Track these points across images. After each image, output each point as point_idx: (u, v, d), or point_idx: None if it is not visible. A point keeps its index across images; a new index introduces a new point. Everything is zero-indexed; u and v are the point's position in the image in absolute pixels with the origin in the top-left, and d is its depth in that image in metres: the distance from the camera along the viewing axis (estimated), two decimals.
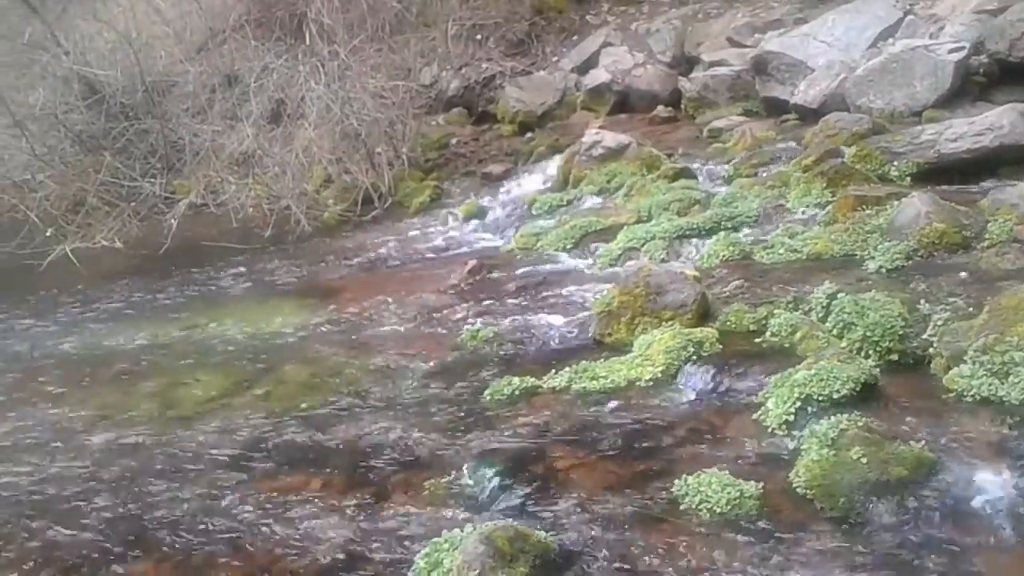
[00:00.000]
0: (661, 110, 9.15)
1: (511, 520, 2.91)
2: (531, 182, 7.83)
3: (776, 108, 8.20)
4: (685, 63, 9.71)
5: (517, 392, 4.00)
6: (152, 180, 8.88)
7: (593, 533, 2.89)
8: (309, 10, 9.02)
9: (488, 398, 4.03)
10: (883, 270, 4.41)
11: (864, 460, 2.90)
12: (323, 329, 5.37)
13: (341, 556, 2.98)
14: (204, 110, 9.54)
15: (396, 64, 9.35)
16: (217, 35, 10.17)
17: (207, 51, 10.23)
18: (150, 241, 7.99)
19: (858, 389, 3.29)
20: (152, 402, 4.58)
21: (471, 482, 3.32)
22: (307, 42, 8.76)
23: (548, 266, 5.87)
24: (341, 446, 3.78)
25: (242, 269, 7.04)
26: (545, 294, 5.31)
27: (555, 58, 10.32)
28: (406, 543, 3.01)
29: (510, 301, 5.29)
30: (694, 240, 5.51)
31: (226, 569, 3.04)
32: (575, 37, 10.46)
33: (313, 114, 8.22)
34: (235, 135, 9.03)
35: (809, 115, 7.47)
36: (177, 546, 3.20)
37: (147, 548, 3.21)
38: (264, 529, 3.23)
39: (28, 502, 3.66)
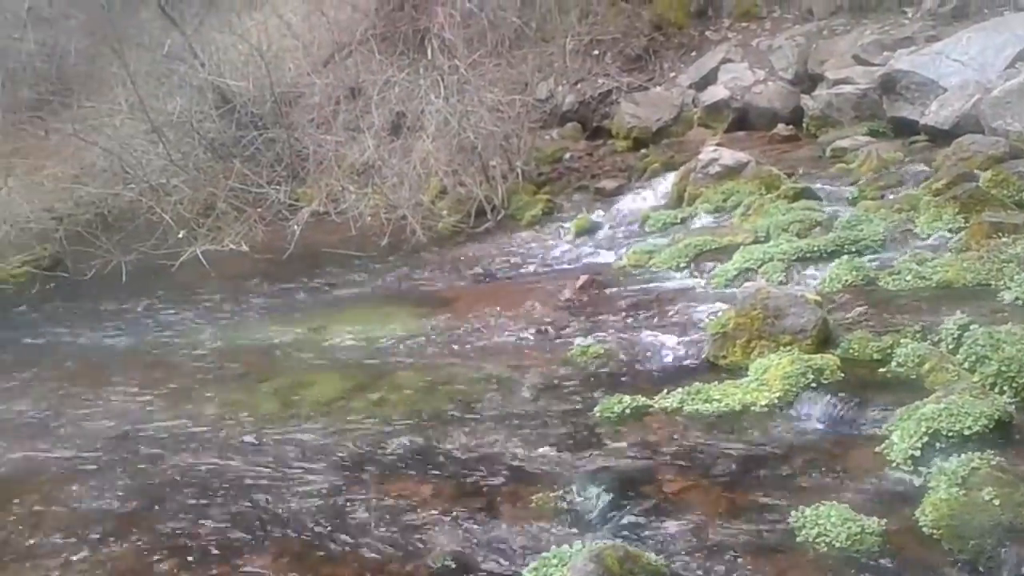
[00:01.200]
0: (781, 128, 8.93)
1: (621, 540, 2.90)
2: (644, 199, 7.77)
3: (904, 129, 7.89)
4: (808, 81, 9.47)
5: (627, 410, 3.97)
6: (277, 187, 9.25)
7: (704, 559, 2.84)
8: (432, 25, 9.24)
9: (598, 415, 4.02)
10: (1019, 302, 4.18)
11: (997, 502, 2.75)
12: (436, 337, 5.46)
13: (451, 564, 3.03)
14: (328, 121, 9.88)
15: (513, 78, 9.46)
16: (343, 49, 10.54)
17: (333, 64, 10.61)
18: (274, 246, 8.32)
19: (991, 426, 3.13)
20: (274, 401, 4.76)
21: (580, 499, 3.32)
22: (429, 56, 8.97)
23: (660, 284, 5.80)
24: (452, 454, 3.84)
25: (359, 276, 7.25)
26: (657, 312, 5.25)
27: (672, 74, 10.23)
28: (514, 556, 3.03)
29: (621, 318, 5.26)
30: (814, 263, 5.34)
31: (340, 568, 3.13)
32: (694, 53, 10.34)
33: (432, 127, 8.40)
34: (356, 146, 9.33)
35: (940, 137, 7.15)
36: (295, 542, 3.31)
37: (267, 542, 3.34)
38: (376, 531, 3.31)
39: (156, 492, 3.86)
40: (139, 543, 3.45)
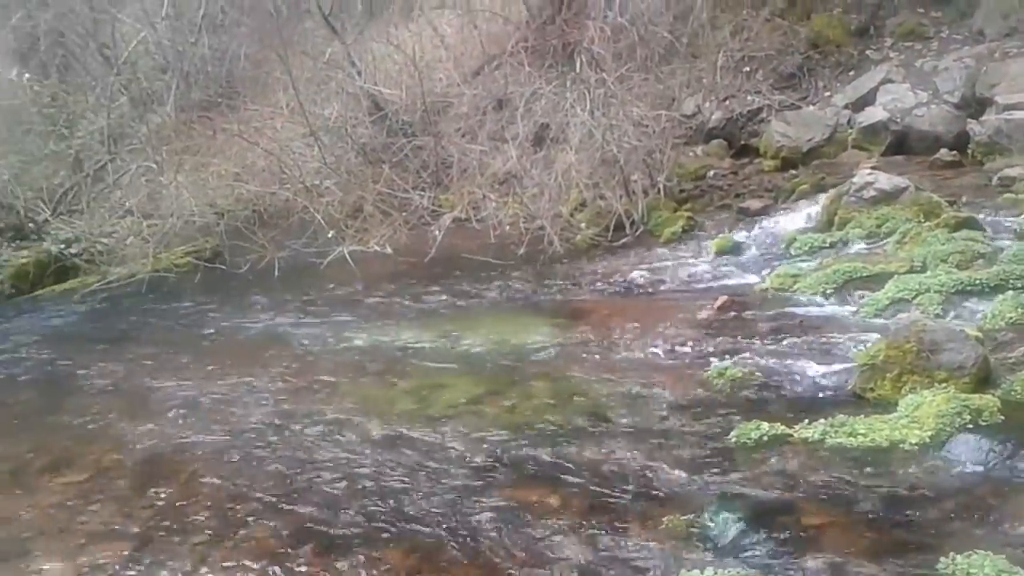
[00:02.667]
0: (944, 153, 8.45)
1: (753, 570, 2.81)
2: (791, 221, 7.50)
3: None
4: (975, 105, 8.91)
5: (766, 438, 3.85)
6: (422, 193, 9.51)
7: None
8: (582, 39, 9.29)
9: (734, 440, 3.92)
10: None
11: None
12: (570, 349, 5.47)
13: None
14: (474, 131, 10.09)
15: (660, 93, 9.38)
16: (492, 60, 10.74)
17: (482, 75, 10.83)
18: (416, 249, 8.54)
19: None
20: (409, 401, 4.89)
21: (712, 524, 3.24)
22: (577, 70, 9.02)
23: (805, 309, 5.60)
24: (582, 467, 3.83)
25: (496, 283, 7.34)
26: (800, 339, 5.07)
27: (827, 93, 9.87)
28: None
29: (762, 342, 5.11)
30: (975, 298, 5.02)
31: (467, 570, 3.18)
32: (851, 72, 9.94)
33: (575, 139, 8.44)
34: (500, 155, 9.48)
35: None
36: (424, 540, 3.39)
37: (397, 537, 3.44)
38: (504, 537, 3.34)
39: (297, 480, 4.04)
40: (279, 527, 3.61)
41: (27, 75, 10.95)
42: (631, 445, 4.01)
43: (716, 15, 10.20)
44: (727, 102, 10.16)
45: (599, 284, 7.05)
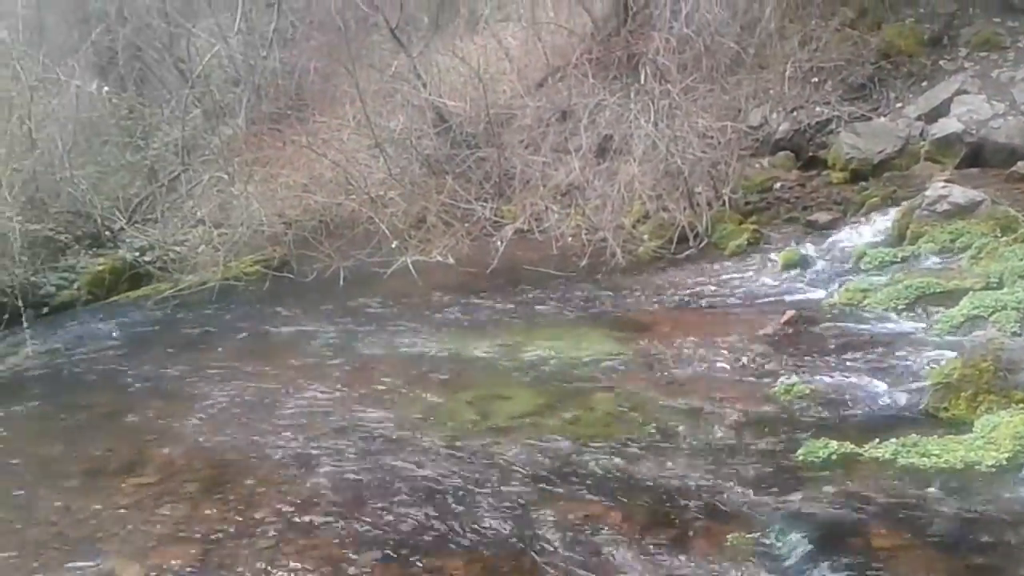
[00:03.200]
0: (1021, 166, 8.16)
1: None
2: (861, 234, 7.34)
3: None
4: None
5: (834, 456, 3.77)
6: (484, 204, 9.57)
7: None
8: (647, 50, 9.25)
9: (801, 458, 3.85)
10: None
11: None
12: (632, 362, 5.44)
13: None
14: (536, 142, 10.11)
15: (726, 104, 9.26)
16: (556, 72, 10.76)
17: (546, 87, 10.86)
18: (478, 260, 8.59)
19: None
20: (470, 411, 4.92)
21: (778, 543, 3.18)
22: (641, 81, 8.99)
23: (875, 326, 5.47)
24: (645, 481, 3.80)
25: (558, 294, 7.33)
26: (870, 355, 4.95)
27: (899, 104, 9.63)
28: None
29: (830, 358, 5.01)
30: None
31: None
32: (924, 83, 9.68)
33: (639, 151, 8.40)
34: (562, 167, 9.48)
35: None
36: (486, 550, 3.40)
37: (459, 547, 3.45)
38: (564, 551, 3.34)
39: (361, 486, 4.09)
40: (343, 533, 3.66)
41: (106, 88, 11.37)
42: (694, 460, 3.97)
43: (784, 25, 10.04)
44: (795, 113, 9.98)
45: (662, 297, 6.98)
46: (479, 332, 6.56)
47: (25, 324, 6.80)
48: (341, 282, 8.26)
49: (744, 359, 5.20)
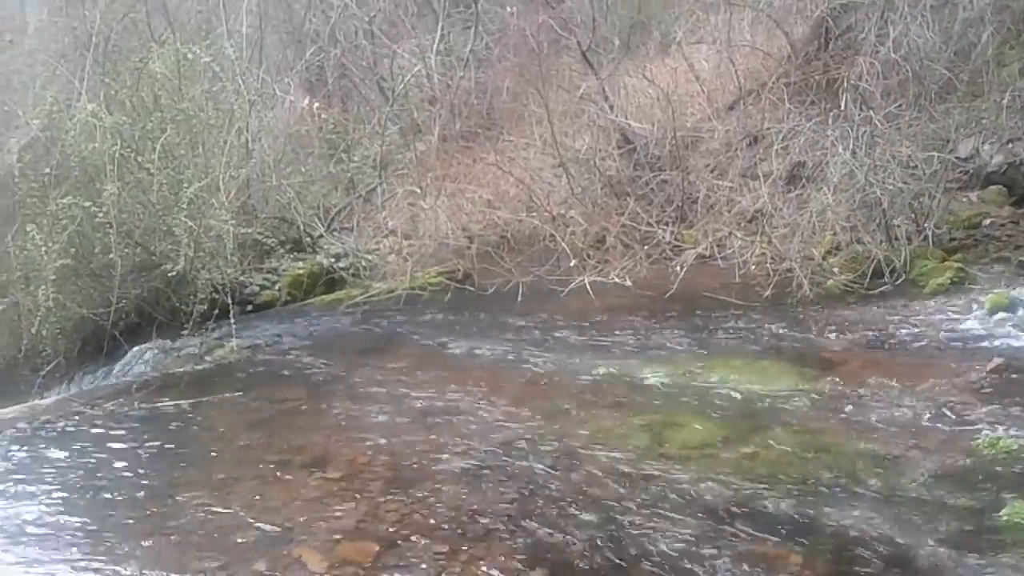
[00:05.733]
0: None
1: None
2: None
3: None
4: None
5: None
6: (665, 227, 9.47)
7: None
8: (849, 75, 8.85)
9: (1004, 518, 3.54)
10: None
11: None
12: (816, 400, 5.20)
13: None
14: (723, 166, 9.90)
15: (932, 134, 8.69)
16: (749, 95, 10.51)
17: (736, 110, 10.62)
18: (655, 284, 8.49)
19: None
20: (644, 436, 4.86)
21: None
22: (841, 106, 8.60)
23: None
24: (828, 527, 3.62)
25: (738, 324, 7.13)
26: None
27: None
28: None
29: None
30: None
31: None
32: None
33: (835, 179, 8.03)
34: (749, 193, 9.23)
35: None
36: None
37: (628, 574, 3.41)
38: None
39: (528, 504, 4.13)
40: (513, 547, 3.71)
41: (316, 104, 12.19)
42: (883, 510, 3.73)
43: (1003, 52, 9.33)
44: (1010, 145, 9.23)
45: (852, 333, 6.63)
46: (654, 357, 6.48)
47: (232, 320, 7.35)
48: (519, 297, 8.41)
49: (942, 407, 4.84)
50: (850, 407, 5.03)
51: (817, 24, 10.48)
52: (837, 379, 5.49)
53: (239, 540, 3.96)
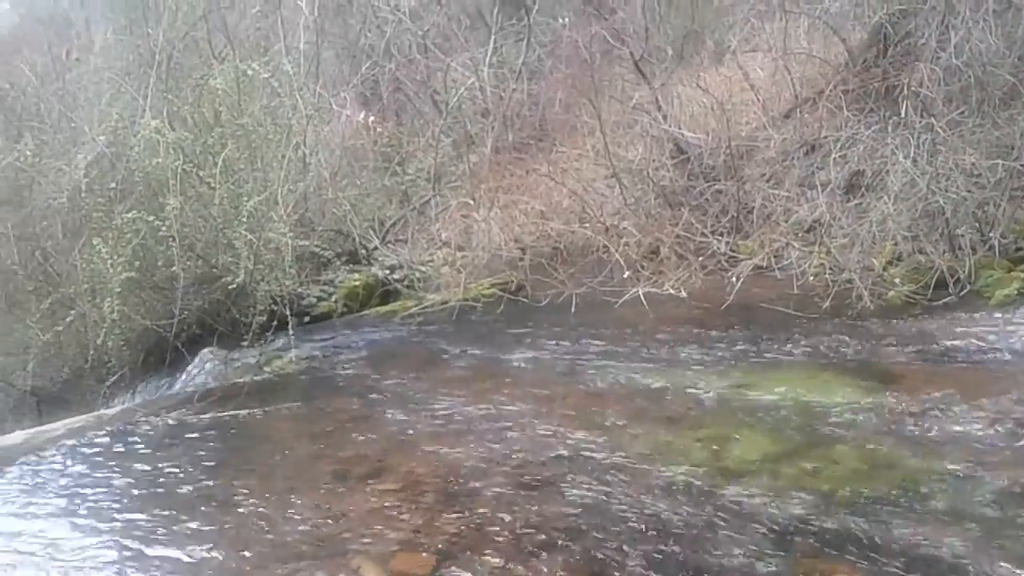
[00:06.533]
0: None
1: None
2: None
3: None
4: None
5: None
6: (720, 238, 9.37)
7: None
8: (910, 81, 8.68)
9: None
10: None
11: None
12: (879, 415, 5.08)
13: None
14: (779, 176, 9.77)
15: (996, 141, 8.47)
16: (806, 103, 10.37)
17: (792, 118, 10.48)
18: (711, 295, 8.41)
19: None
20: (702, 451, 4.81)
21: None
22: (901, 114, 8.43)
23: None
24: (892, 546, 3.54)
25: (796, 336, 7.01)
26: None
27: None
28: None
29: None
30: None
31: None
32: None
33: (895, 188, 7.87)
34: (806, 202, 9.09)
35: None
36: None
37: None
38: None
39: (583, 521, 4.11)
40: (569, 564, 3.69)
41: (371, 118, 12.37)
42: (950, 530, 3.64)
43: None
44: None
45: (914, 346, 6.47)
46: (710, 370, 6.41)
47: (290, 331, 7.47)
48: (572, 308, 8.40)
49: (1012, 423, 4.70)
50: (913, 422, 4.91)
51: (875, 30, 10.30)
52: (899, 393, 5.37)
53: (298, 549, 4.02)
